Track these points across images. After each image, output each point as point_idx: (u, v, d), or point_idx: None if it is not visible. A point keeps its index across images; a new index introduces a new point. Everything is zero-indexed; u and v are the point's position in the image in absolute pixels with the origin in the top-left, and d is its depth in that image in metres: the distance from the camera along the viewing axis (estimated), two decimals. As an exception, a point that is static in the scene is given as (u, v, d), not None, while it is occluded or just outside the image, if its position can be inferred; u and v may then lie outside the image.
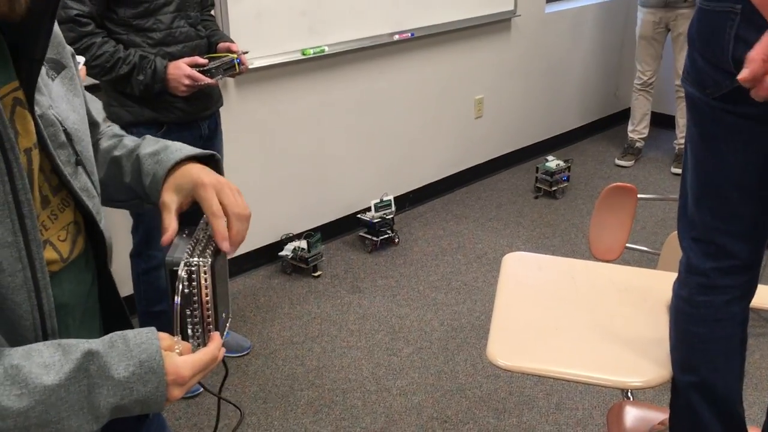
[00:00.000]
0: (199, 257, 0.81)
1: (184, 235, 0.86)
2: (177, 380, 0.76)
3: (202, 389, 2.49)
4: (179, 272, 0.80)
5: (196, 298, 0.81)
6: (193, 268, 0.81)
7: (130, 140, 0.98)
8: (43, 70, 0.81)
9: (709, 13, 1.24)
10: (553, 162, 4.03)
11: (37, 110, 0.76)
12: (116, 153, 0.96)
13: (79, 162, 0.82)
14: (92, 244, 0.88)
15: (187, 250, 0.82)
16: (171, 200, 0.89)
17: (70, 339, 0.74)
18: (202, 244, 0.84)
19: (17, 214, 0.72)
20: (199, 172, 0.89)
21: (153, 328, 0.78)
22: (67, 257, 0.81)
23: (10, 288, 0.72)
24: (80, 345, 0.73)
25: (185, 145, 0.95)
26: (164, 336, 0.79)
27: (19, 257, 0.72)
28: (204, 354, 0.81)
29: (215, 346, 0.83)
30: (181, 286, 0.80)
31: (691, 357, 1.39)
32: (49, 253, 0.78)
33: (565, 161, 4.08)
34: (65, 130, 0.80)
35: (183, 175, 0.89)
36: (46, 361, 0.70)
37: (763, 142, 1.25)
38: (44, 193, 0.79)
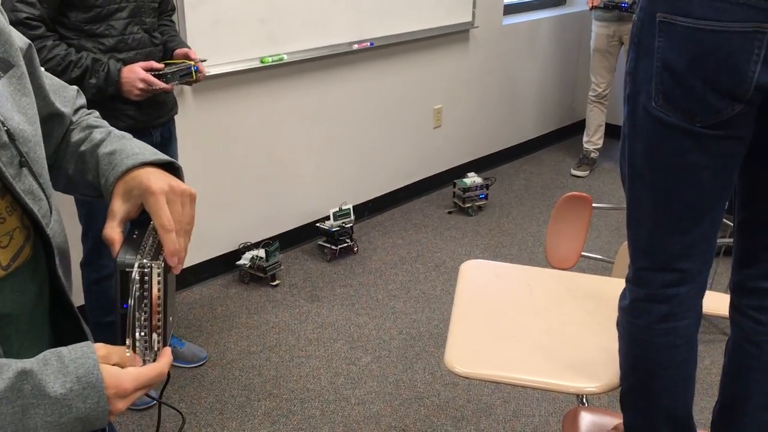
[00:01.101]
0: (152, 260, 0.79)
1: (134, 236, 0.83)
2: (118, 393, 0.73)
3: (153, 401, 2.44)
4: (133, 274, 0.77)
5: (146, 302, 0.79)
6: (146, 270, 0.78)
7: (98, 133, 0.94)
8: None
9: (719, 35, 1.11)
10: (469, 179, 4.02)
11: None
12: (83, 148, 0.93)
13: (23, 164, 0.79)
14: (45, 251, 0.84)
15: (140, 251, 0.80)
16: (118, 209, 0.84)
17: (2, 359, 0.71)
18: (155, 247, 0.81)
19: None
20: (149, 176, 0.84)
21: (89, 342, 0.74)
22: (7, 265, 0.77)
23: None
24: (12, 365, 0.69)
25: (146, 147, 0.91)
26: (100, 346, 0.75)
27: None
28: (150, 369, 0.78)
29: (164, 362, 0.80)
30: (134, 288, 0.77)
31: (652, 384, 1.39)
32: None
33: (484, 179, 4.07)
34: (8, 131, 0.77)
35: (133, 179, 0.85)
36: None
37: (741, 161, 1.26)
38: None
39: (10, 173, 0.77)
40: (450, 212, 4.01)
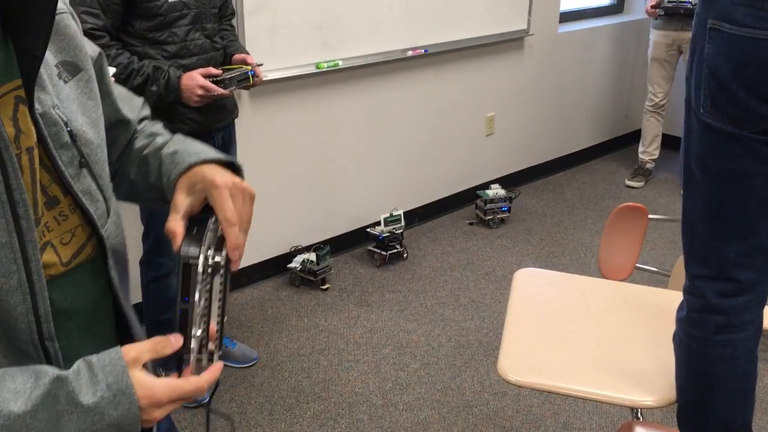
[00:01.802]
0: (214, 252, 0.79)
1: (194, 232, 0.82)
2: (152, 403, 0.73)
3: (203, 400, 2.48)
4: (198, 267, 0.77)
5: (208, 295, 0.78)
6: (209, 262, 0.78)
7: (161, 138, 0.96)
8: (55, 71, 0.81)
9: (759, 43, 1.12)
10: (492, 191, 3.95)
11: (38, 108, 0.75)
12: (146, 152, 0.95)
13: (83, 164, 0.80)
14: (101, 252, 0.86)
15: (203, 245, 0.79)
16: (182, 202, 0.84)
17: (44, 365, 0.72)
18: (215, 242, 0.81)
19: (12, 214, 0.71)
20: (213, 171, 0.85)
21: (117, 347, 0.74)
22: (67, 261, 0.79)
23: (3, 290, 0.71)
24: (50, 371, 0.70)
25: (208, 148, 0.92)
26: (129, 348, 0.75)
27: (13, 258, 0.71)
28: (188, 383, 0.76)
29: (206, 378, 0.78)
30: (197, 281, 0.77)
31: (710, 397, 1.36)
32: (48, 256, 0.76)
33: (507, 191, 3.99)
34: (70, 131, 0.79)
35: (197, 174, 0.85)
36: (17, 387, 0.68)
37: None
38: (52, 193, 0.77)
39: (69, 173, 0.79)
40: (471, 223, 3.95)
